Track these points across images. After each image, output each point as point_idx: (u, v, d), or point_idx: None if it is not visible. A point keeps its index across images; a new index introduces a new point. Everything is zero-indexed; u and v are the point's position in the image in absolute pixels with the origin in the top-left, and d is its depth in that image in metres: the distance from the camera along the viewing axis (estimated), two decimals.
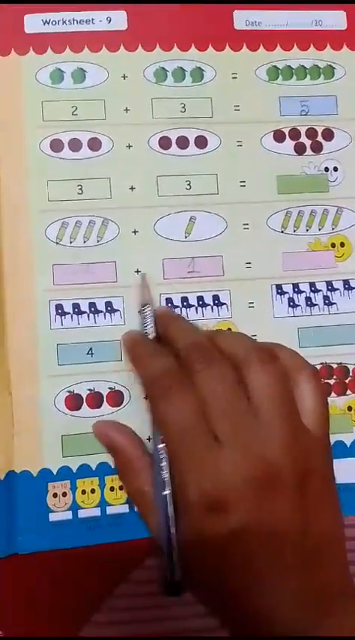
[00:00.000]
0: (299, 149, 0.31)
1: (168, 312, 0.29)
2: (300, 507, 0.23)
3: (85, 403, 0.28)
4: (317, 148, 0.31)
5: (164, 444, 0.25)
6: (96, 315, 0.29)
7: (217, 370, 0.24)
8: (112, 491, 0.28)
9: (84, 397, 0.28)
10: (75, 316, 0.29)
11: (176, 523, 0.24)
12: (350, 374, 0.30)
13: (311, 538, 0.23)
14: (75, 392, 0.28)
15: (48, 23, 0.30)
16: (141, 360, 0.27)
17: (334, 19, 0.32)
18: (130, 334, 0.29)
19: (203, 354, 0.25)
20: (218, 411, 0.24)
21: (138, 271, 0.29)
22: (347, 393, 0.30)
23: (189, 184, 0.30)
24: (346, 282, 0.31)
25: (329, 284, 0.31)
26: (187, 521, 0.23)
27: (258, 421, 0.23)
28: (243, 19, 0.31)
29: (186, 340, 0.26)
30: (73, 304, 0.29)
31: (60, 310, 0.29)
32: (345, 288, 0.31)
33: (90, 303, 0.29)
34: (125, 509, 0.28)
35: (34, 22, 0.30)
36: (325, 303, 0.30)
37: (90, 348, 0.29)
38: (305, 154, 0.31)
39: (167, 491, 0.24)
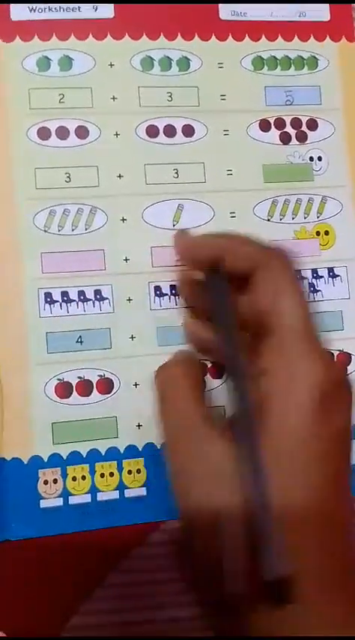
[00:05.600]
0: (285, 139, 0.31)
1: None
2: None
3: (74, 391, 0.28)
4: (301, 138, 0.32)
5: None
6: (85, 303, 0.29)
7: None
8: (102, 477, 0.28)
9: (74, 385, 0.28)
10: (64, 304, 0.29)
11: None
12: (335, 360, 0.31)
13: None
14: (65, 380, 0.28)
15: (34, 11, 0.29)
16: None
17: (318, 10, 0.32)
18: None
19: None
20: None
21: (126, 259, 0.29)
22: None
23: (176, 172, 0.30)
24: (330, 270, 0.31)
25: (314, 272, 0.31)
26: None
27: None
28: (229, 9, 0.31)
29: None
30: (62, 292, 0.29)
31: (49, 298, 0.29)
32: (330, 276, 0.31)
33: (79, 292, 0.29)
34: (115, 495, 0.28)
35: (20, 9, 0.29)
36: (311, 291, 0.31)
37: (80, 336, 0.29)
38: (291, 143, 0.31)
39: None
